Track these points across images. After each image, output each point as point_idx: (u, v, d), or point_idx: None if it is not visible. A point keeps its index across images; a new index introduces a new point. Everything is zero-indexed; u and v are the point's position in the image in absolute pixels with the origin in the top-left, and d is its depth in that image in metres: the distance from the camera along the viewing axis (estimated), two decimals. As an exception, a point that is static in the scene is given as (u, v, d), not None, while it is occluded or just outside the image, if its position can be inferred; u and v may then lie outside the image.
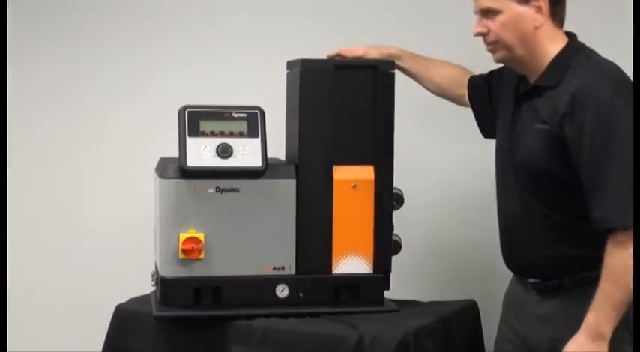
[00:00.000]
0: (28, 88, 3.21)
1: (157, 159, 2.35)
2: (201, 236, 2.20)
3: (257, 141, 2.22)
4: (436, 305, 2.47)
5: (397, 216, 2.42)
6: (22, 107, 3.20)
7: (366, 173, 2.28)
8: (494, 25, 2.11)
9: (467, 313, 2.47)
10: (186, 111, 2.22)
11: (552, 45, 2.10)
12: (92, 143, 3.19)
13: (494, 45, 2.14)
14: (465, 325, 2.46)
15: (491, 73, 2.38)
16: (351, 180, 2.26)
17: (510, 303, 2.32)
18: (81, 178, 3.20)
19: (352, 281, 2.28)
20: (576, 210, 2.04)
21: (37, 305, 3.23)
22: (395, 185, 2.40)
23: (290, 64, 2.33)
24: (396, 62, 2.41)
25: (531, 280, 2.19)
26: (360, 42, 2.47)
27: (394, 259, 2.39)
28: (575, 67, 2.05)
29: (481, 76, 2.43)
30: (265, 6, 3.02)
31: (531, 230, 2.15)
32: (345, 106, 2.26)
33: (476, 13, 2.15)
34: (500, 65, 2.26)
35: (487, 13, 2.11)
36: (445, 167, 2.57)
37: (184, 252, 2.17)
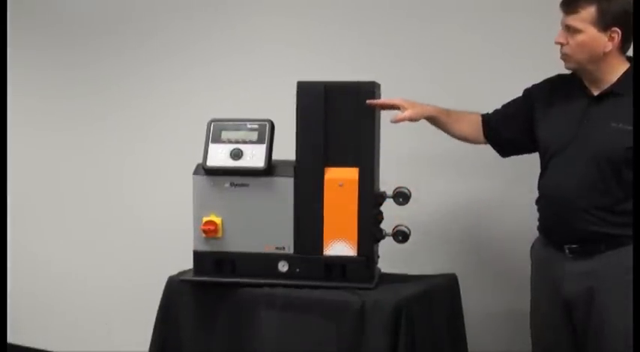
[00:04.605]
0: (107, 101, 4.10)
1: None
2: (218, 220, 2.68)
3: (263, 146, 2.67)
4: (424, 278, 2.87)
5: (404, 209, 2.81)
6: (102, 118, 4.11)
7: (351, 174, 2.64)
8: (573, 40, 2.51)
9: (448, 284, 2.88)
10: (212, 124, 2.72)
11: (617, 66, 2.51)
12: (146, 149, 4.00)
13: (567, 56, 2.54)
14: (447, 293, 2.85)
15: (527, 93, 2.73)
16: (339, 179, 2.64)
17: (542, 264, 2.69)
18: (140, 177, 4.05)
19: (339, 262, 2.66)
20: (624, 190, 2.45)
21: (108, 281, 4.15)
22: (403, 184, 2.80)
23: (298, 85, 2.70)
24: (434, 119, 2.75)
25: (569, 246, 2.57)
26: (366, 67, 2.92)
27: (391, 242, 2.78)
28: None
29: (509, 107, 2.76)
30: (284, 38, 3.62)
31: (586, 207, 2.52)
32: (334, 119, 2.64)
33: (561, 25, 2.54)
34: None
35: (570, 29, 2.51)
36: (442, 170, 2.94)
37: (204, 231, 2.67)
